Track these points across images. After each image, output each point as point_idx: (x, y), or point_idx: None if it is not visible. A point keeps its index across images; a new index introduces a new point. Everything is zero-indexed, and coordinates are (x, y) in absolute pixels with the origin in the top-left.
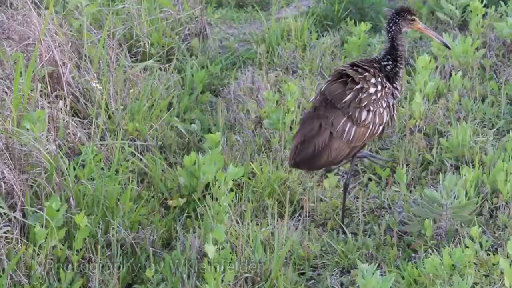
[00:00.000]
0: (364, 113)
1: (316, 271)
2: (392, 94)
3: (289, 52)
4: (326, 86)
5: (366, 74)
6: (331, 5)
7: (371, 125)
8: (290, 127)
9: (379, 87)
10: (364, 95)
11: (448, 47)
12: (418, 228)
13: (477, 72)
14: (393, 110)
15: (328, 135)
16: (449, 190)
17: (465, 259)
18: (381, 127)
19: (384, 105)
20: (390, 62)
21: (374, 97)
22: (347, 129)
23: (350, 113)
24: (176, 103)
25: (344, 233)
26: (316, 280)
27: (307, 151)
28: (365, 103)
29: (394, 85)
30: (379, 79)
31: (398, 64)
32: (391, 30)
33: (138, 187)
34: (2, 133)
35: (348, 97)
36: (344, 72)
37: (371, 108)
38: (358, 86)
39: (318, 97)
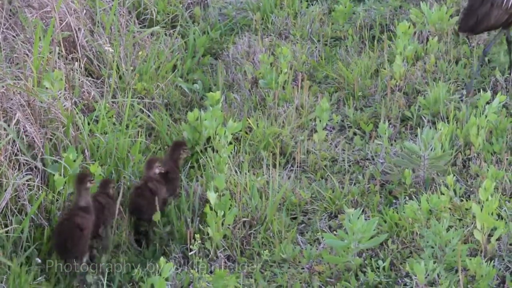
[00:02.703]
0: None
1: (307, 215)
2: None
3: (282, 19)
4: None
5: None
6: None
7: None
8: (283, 87)
9: None
10: None
11: None
12: (399, 177)
13: (452, 37)
14: None
15: (490, 6)
16: (427, 143)
17: (441, 205)
18: None
19: None
20: None
21: None
22: None
23: None
24: (180, 65)
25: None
26: (307, 224)
27: (471, 20)
28: None
29: None
30: None
31: None
32: None
33: (146, 140)
34: (24, 91)
35: None
36: None
37: None
38: None
39: None
